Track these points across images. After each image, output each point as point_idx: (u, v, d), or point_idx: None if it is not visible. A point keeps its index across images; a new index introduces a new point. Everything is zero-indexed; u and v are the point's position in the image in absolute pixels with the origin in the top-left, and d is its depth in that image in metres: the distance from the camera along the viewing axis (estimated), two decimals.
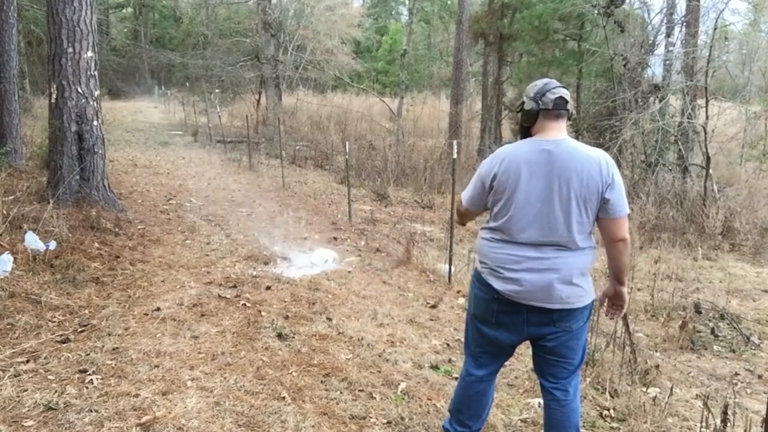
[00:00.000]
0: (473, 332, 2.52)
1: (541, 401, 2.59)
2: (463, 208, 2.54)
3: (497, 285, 2.31)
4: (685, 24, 11.46)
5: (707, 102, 9.87)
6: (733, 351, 4.47)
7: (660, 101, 10.53)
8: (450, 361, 3.67)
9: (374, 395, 3.10)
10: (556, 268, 2.25)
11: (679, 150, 10.60)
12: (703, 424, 2.80)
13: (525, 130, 2.38)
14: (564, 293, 2.26)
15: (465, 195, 2.48)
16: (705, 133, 9.58)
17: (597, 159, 2.24)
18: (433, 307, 4.67)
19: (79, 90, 6.42)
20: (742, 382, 3.93)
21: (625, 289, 2.46)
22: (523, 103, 2.36)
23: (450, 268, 5.43)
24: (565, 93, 2.30)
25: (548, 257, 2.26)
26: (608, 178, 2.22)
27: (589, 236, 2.33)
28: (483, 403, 2.55)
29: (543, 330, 2.34)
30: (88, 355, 3.24)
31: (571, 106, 2.32)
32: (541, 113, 2.29)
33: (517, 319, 2.34)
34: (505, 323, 2.36)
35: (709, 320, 5.01)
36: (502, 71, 16.07)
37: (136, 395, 2.85)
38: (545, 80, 2.35)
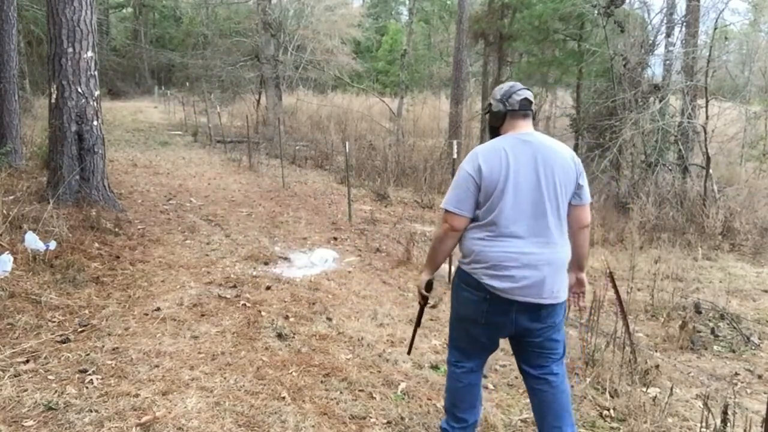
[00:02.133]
0: (460, 333, 2.54)
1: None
2: (447, 226, 2.39)
3: (494, 283, 2.30)
4: (685, 24, 11.47)
5: (707, 102, 9.88)
6: (733, 351, 4.47)
7: (660, 101, 10.53)
8: None
9: (374, 395, 3.10)
10: (549, 262, 2.31)
11: (679, 150, 10.60)
12: (703, 424, 2.80)
13: (494, 131, 2.50)
14: (555, 287, 2.33)
15: (451, 201, 2.38)
16: (705, 133, 9.58)
17: (567, 149, 2.44)
18: (433, 307, 4.66)
19: (79, 90, 6.42)
20: (742, 382, 3.93)
21: (584, 275, 2.66)
22: (490, 105, 2.48)
23: (450, 268, 5.43)
24: (530, 95, 2.45)
25: (542, 251, 2.31)
26: (579, 166, 2.41)
27: (566, 223, 2.43)
28: (476, 393, 2.59)
29: (530, 326, 2.38)
30: (88, 355, 3.24)
31: (534, 106, 2.49)
32: (508, 114, 2.43)
33: (505, 319, 2.36)
34: (493, 322, 2.39)
35: (709, 320, 5.00)
36: (502, 71, 16.06)
37: (136, 395, 2.85)
38: (510, 83, 2.50)
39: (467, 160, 2.37)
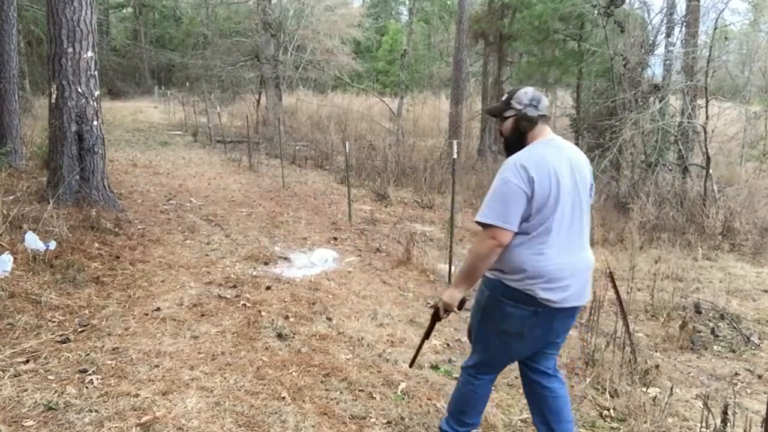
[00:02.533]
0: (497, 347, 2.43)
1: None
2: (494, 242, 2.22)
3: (550, 296, 2.24)
4: (685, 24, 11.46)
5: (707, 102, 9.87)
6: (733, 351, 4.47)
7: (660, 101, 10.53)
8: (450, 361, 3.67)
9: (374, 395, 3.10)
10: (587, 266, 2.38)
11: (679, 150, 10.61)
12: (703, 424, 2.80)
13: (522, 137, 2.37)
14: (590, 289, 2.41)
15: (498, 215, 2.20)
16: (705, 133, 9.58)
17: (580, 151, 2.46)
18: (433, 307, 4.66)
19: (79, 90, 6.42)
20: (742, 382, 3.93)
21: None
22: (519, 111, 2.35)
23: (450, 268, 5.43)
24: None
25: (582, 257, 2.35)
26: (590, 165, 2.45)
27: None
28: (485, 400, 2.62)
29: (562, 330, 2.43)
30: (88, 355, 3.24)
31: None
32: (540, 119, 2.36)
33: (548, 328, 2.36)
34: (536, 335, 2.36)
35: (709, 320, 5.00)
36: (502, 71, 16.08)
37: (136, 395, 2.85)
38: (525, 88, 2.42)
39: (513, 172, 2.23)
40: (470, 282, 2.39)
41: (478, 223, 2.26)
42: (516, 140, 2.38)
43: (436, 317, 2.57)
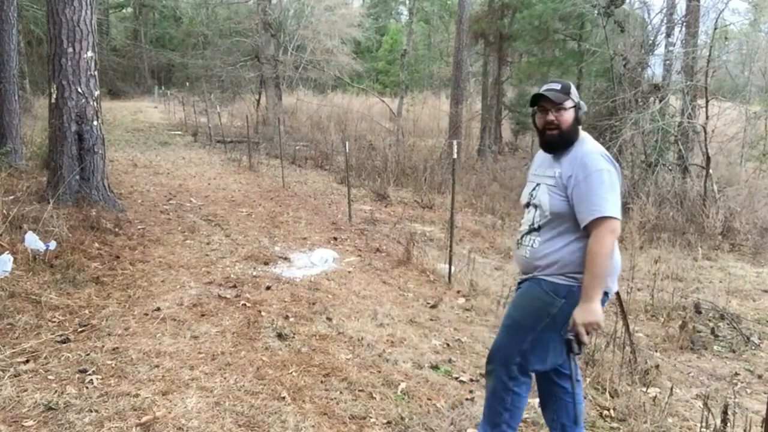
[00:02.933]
0: (559, 351, 2.31)
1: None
2: (613, 237, 2.15)
3: (615, 287, 2.33)
4: (685, 24, 11.46)
5: (707, 102, 9.87)
6: (733, 351, 4.47)
7: (660, 101, 10.52)
8: (450, 361, 3.67)
9: (374, 395, 3.10)
10: None
11: (679, 150, 10.61)
12: (703, 424, 2.80)
13: (577, 130, 2.36)
14: None
15: (616, 207, 2.15)
16: (705, 133, 9.57)
17: None
18: (433, 307, 4.67)
19: (79, 90, 6.42)
20: (742, 382, 3.93)
21: None
22: (576, 102, 2.33)
23: (450, 268, 5.43)
24: None
25: None
26: None
27: None
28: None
29: None
30: (88, 355, 3.24)
31: None
32: None
33: None
34: None
35: (709, 320, 5.00)
36: (502, 71, 16.09)
37: (136, 395, 2.85)
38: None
39: (606, 162, 2.21)
40: (602, 287, 2.16)
41: (597, 219, 2.13)
42: (574, 132, 2.33)
43: (574, 347, 2.21)
